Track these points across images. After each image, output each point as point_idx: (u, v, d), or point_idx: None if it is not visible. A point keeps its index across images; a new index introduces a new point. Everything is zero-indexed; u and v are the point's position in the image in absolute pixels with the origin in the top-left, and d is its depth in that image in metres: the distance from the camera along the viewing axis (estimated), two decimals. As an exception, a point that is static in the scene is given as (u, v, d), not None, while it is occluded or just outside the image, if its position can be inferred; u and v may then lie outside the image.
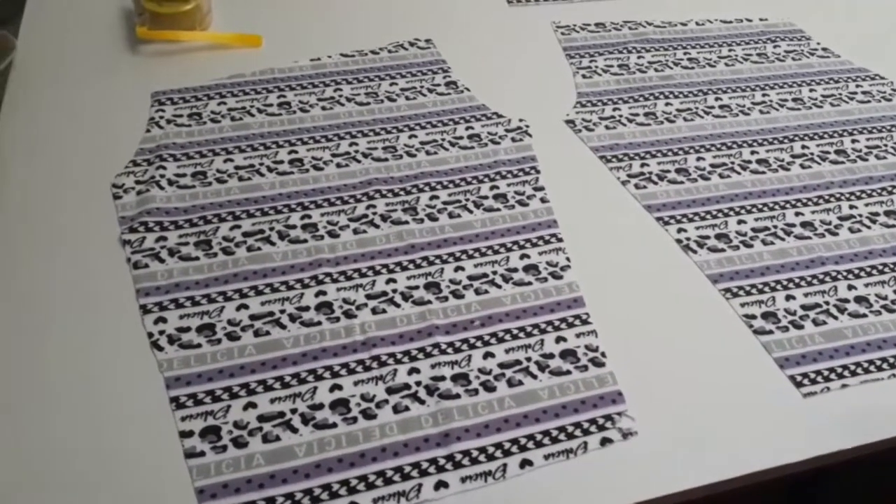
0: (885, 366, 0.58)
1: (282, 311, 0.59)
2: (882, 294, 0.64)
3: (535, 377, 0.56)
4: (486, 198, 0.70)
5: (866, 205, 0.72)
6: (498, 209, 0.69)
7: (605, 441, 0.52)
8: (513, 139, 0.77)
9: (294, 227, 0.66)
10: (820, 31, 0.96)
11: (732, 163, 0.76)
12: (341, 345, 0.57)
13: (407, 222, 0.67)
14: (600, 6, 0.99)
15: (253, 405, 0.53)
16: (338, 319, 0.59)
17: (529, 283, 0.63)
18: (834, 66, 0.90)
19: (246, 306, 0.59)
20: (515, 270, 0.64)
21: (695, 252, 0.67)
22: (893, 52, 0.93)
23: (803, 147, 0.79)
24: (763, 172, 0.75)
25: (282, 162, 0.72)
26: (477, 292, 0.62)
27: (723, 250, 0.67)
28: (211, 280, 0.61)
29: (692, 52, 0.91)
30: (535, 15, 0.97)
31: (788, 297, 0.63)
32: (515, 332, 0.59)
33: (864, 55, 0.92)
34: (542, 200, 0.71)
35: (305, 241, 0.65)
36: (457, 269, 0.64)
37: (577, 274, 0.64)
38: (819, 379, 0.57)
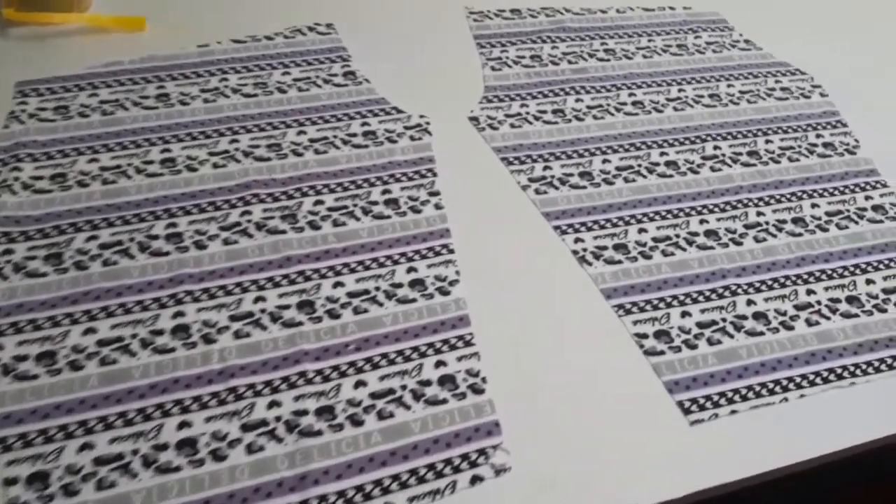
0: (777, 389, 0.56)
1: (133, 336, 0.54)
2: (781, 310, 0.61)
3: (408, 408, 0.52)
4: (375, 203, 0.66)
5: (774, 211, 0.69)
6: (388, 216, 0.65)
7: (476, 479, 0.49)
8: (411, 137, 0.72)
9: (157, 237, 0.60)
10: (744, 21, 0.92)
11: (640, 165, 0.72)
12: (196, 374, 0.52)
13: (284, 231, 0.62)
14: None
15: (90, 446, 0.48)
16: (194, 345, 0.54)
17: (414, 301, 0.59)
18: (755, 60, 0.87)
19: (94, 330, 0.54)
20: (400, 286, 0.59)
21: (590, 264, 0.63)
22: (816, 46, 0.90)
23: (715, 148, 0.75)
24: (671, 176, 0.72)
25: (152, 162, 0.66)
26: (356, 311, 0.57)
27: (619, 262, 0.64)
28: (59, 300, 0.55)
29: (609, 43, 0.87)
30: (450, -1, 0.92)
31: (684, 314, 0.60)
32: (393, 356, 0.55)
33: (786, 48, 0.89)
34: (437, 207, 0.66)
35: (168, 253, 0.59)
36: (336, 284, 0.59)
37: (467, 289, 0.60)
38: (708, 405, 0.54)
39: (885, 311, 0.62)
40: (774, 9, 0.97)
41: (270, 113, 0.73)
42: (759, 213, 0.69)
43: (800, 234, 0.68)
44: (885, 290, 0.63)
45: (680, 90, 0.82)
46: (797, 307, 0.61)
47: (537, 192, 0.69)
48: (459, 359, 0.55)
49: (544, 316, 0.59)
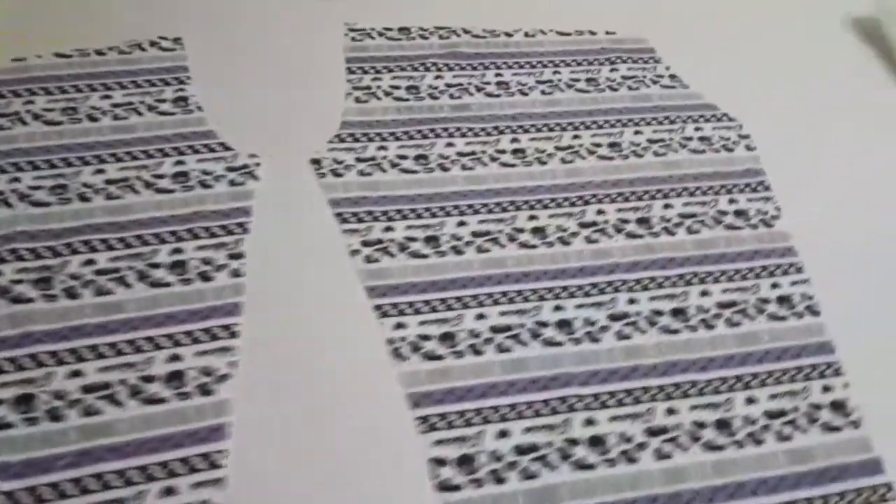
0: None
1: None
2: (627, 434, 0.50)
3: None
4: (157, 266, 0.54)
5: (652, 298, 0.57)
6: (167, 284, 0.54)
7: None
8: (231, 182, 0.61)
9: None
10: (676, 51, 0.79)
11: (500, 231, 0.60)
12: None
13: (32, 300, 0.51)
14: (420, 2, 0.82)
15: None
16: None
17: (162, 401, 0.48)
18: (677, 101, 0.74)
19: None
20: (151, 380, 0.49)
21: (404, 359, 0.52)
22: (755, 87, 0.76)
23: (599, 213, 0.63)
24: (534, 247, 0.59)
25: None
26: (88, 412, 0.47)
27: (441, 357, 0.52)
28: None
29: (505, 74, 0.74)
30: (334, 11, 0.79)
31: (503, 434, 0.49)
32: (130, 473, 0.44)
33: (720, 87, 0.75)
34: (235, 274, 0.55)
35: None
36: (74, 373, 0.48)
37: (243, 385, 0.49)
38: None
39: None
40: (715, 40, 0.81)
41: (71, 145, 0.62)
42: (631, 301, 0.57)
43: (675, 331, 0.55)
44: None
45: (575, 137, 0.69)
46: (649, 431, 0.50)
47: (368, 259, 0.57)
48: (194, 485, 0.44)
49: (332, 432, 0.48)
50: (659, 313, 0.56)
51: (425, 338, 0.53)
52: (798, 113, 0.73)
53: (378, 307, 0.54)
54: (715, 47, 0.80)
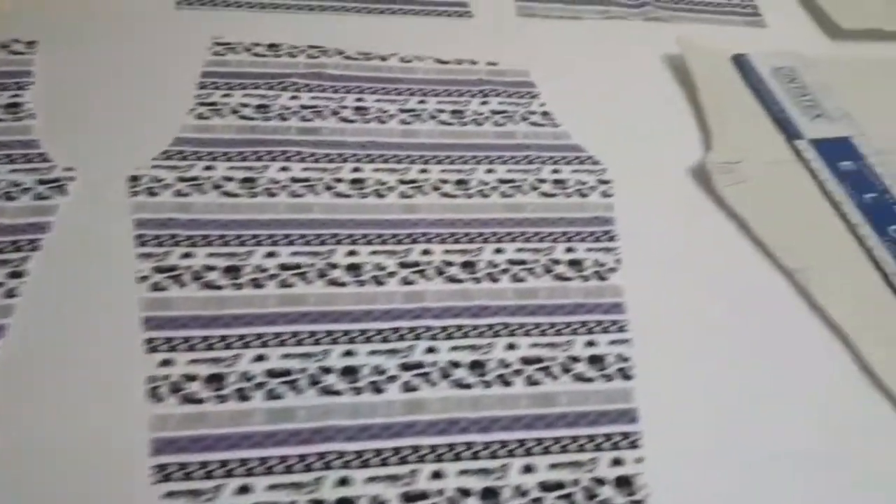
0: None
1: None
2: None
3: None
4: (-74, 282, 0.52)
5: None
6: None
7: None
8: (37, 195, 0.58)
9: None
10: (555, 87, 0.76)
11: (312, 266, 0.57)
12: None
13: None
14: (299, 20, 0.79)
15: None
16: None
17: None
18: (542, 140, 0.70)
19: None
20: None
21: (161, 400, 0.49)
22: (627, 131, 0.73)
23: (424, 253, 0.59)
24: (343, 285, 0.56)
25: None
26: None
27: (201, 401, 0.49)
28: None
29: (368, 100, 0.71)
30: (205, 25, 0.77)
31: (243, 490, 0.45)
32: None
33: (594, 126, 0.72)
34: (9, 294, 0.52)
35: None
36: None
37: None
38: None
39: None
40: (599, 77, 0.78)
41: None
42: (430, 350, 0.53)
43: (467, 386, 0.52)
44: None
45: (423, 171, 0.66)
46: (406, 496, 0.46)
47: (155, 287, 0.54)
48: None
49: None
50: (456, 365, 0.53)
51: (191, 378, 0.49)
52: (661, 162, 0.70)
53: (149, 340, 0.51)
54: (597, 84, 0.77)
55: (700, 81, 0.77)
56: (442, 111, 0.71)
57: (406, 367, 0.52)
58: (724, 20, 0.91)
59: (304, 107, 0.69)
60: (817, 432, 0.53)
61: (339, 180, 0.63)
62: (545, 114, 0.73)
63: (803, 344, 0.58)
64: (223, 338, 0.52)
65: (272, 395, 0.49)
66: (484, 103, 0.73)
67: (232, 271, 0.56)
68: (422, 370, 0.52)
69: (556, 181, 0.67)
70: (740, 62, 0.81)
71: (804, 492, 0.50)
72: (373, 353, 0.52)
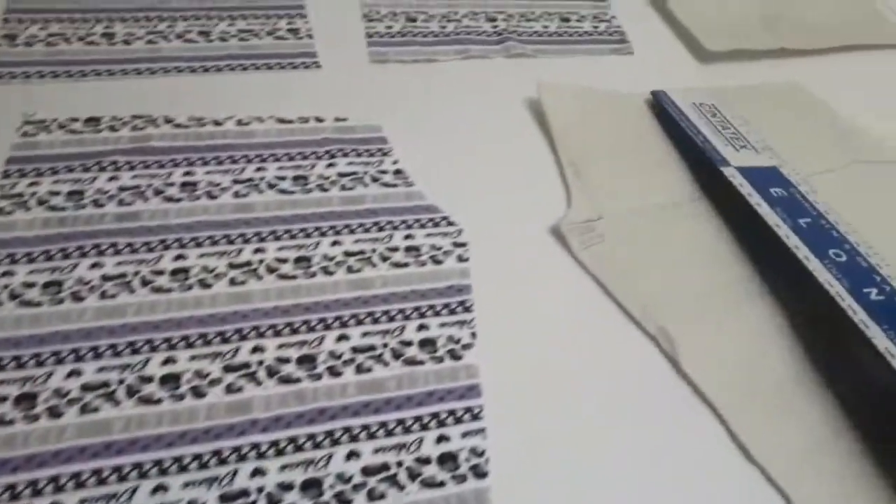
0: None
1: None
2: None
3: None
4: None
5: (284, 469, 0.48)
6: None
7: None
8: None
9: None
10: (408, 143, 0.70)
11: (121, 382, 0.50)
12: None
13: None
14: (126, 86, 0.71)
15: None
16: None
17: None
18: (393, 202, 0.65)
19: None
20: None
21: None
22: (482, 188, 0.68)
23: (254, 351, 0.53)
24: (158, 402, 0.49)
25: None
26: None
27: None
28: None
29: (197, 173, 0.64)
30: (14, 100, 0.69)
31: None
32: None
33: (453, 185, 0.67)
34: None
35: None
36: None
37: None
38: None
39: None
40: (456, 130, 0.73)
41: None
42: (256, 472, 0.47)
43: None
44: None
45: (258, 250, 0.59)
46: None
47: (-73, 431, 0.46)
48: None
49: None
50: (289, 488, 0.46)
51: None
52: (521, 220, 0.65)
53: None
54: (455, 135, 0.72)
55: (557, 133, 0.73)
56: (283, 178, 0.65)
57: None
58: (591, 49, 0.88)
59: (122, 188, 0.62)
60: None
61: (158, 272, 0.56)
62: (398, 172, 0.68)
63: (675, 413, 0.54)
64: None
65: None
66: (330, 165, 0.67)
67: (26, 399, 0.48)
68: (244, 501, 0.46)
69: (409, 248, 0.61)
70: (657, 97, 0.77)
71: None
72: (186, 484, 0.46)
